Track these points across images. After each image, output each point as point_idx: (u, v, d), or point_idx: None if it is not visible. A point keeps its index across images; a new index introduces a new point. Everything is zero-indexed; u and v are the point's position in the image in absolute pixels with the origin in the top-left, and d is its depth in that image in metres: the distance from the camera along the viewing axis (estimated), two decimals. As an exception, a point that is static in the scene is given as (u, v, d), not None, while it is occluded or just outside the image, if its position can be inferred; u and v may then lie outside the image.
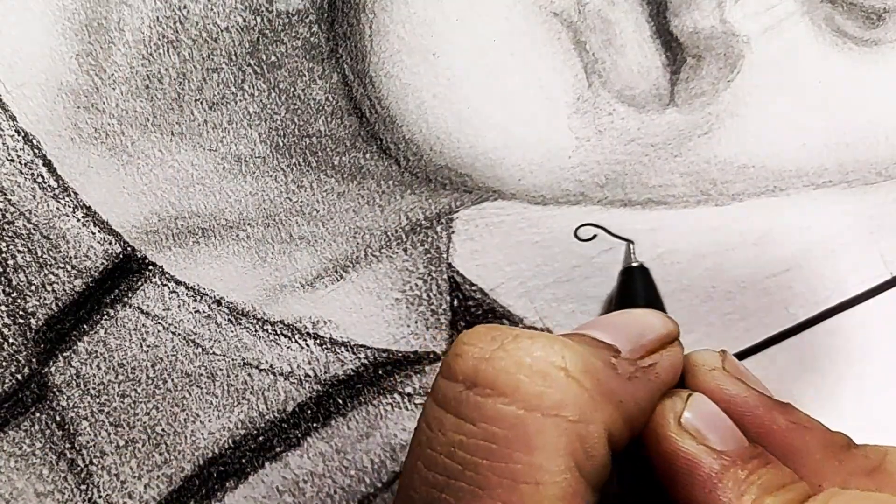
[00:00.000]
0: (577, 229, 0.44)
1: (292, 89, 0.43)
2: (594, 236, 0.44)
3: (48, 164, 0.43)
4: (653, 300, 0.43)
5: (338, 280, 0.45)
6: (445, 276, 0.45)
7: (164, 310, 0.44)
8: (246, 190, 0.44)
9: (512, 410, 0.34)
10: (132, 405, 0.45)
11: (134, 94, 0.43)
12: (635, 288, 0.44)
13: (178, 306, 0.44)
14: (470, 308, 0.45)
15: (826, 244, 0.45)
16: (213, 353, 0.45)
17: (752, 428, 0.37)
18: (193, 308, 0.44)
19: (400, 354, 0.45)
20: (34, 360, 0.44)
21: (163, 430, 0.45)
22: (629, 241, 0.44)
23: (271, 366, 0.45)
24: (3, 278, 0.44)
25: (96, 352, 0.44)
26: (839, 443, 0.37)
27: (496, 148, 0.43)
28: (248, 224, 0.44)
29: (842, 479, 0.36)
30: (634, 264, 0.44)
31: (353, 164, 0.44)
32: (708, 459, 0.35)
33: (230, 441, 0.45)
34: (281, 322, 0.45)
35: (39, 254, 0.44)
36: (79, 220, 0.44)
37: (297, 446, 0.45)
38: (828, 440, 0.37)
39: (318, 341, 0.45)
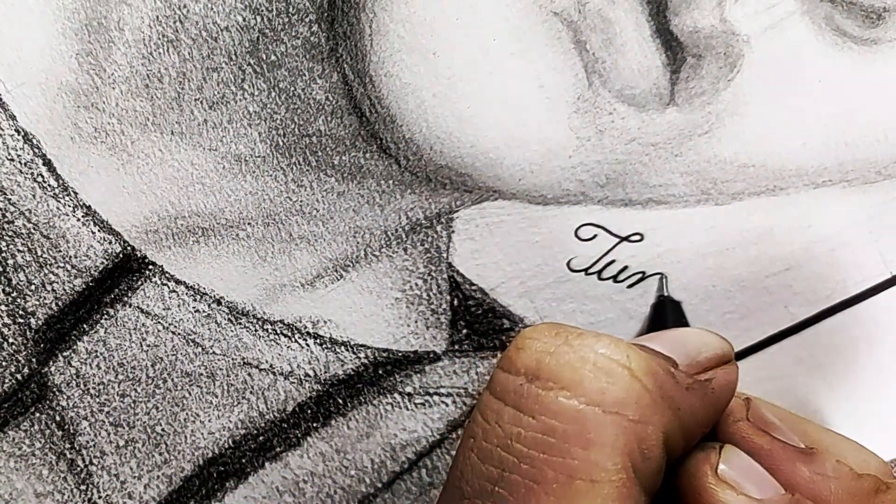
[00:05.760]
0: (577, 229, 0.44)
1: (292, 89, 0.43)
2: (595, 236, 0.44)
3: (48, 163, 0.43)
4: None
5: (338, 279, 0.45)
6: (445, 276, 0.45)
7: (163, 309, 0.44)
8: (246, 189, 0.44)
9: (573, 404, 0.34)
10: (132, 405, 0.45)
11: (134, 94, 0.43)
12: (670, 320, 0.44)
13: (178, 306, 0.44)
14: (470, 307, 0.45)
15: (826, 243, 0.45)
16: (213, 352, 0.45)
17: (778, 478, 0.37)
18: (193, 307, 0.44)
19: (400, 354, 0.45)
20: (34, 359, 0.44)
21: (163, 429, 0.45)
22: (662, 274, 0.45)
23: (271, 365, 0.45)
24: (3, 278, 0.44)
25: (96, 351, 0.44)
26: (866, 489, 0.37)
27: (496, 147, 0.43)
28: (248, 223, 0.44)
29: None
30: (667, 294, 0.45)
31: (353, 164, 0.44)
32: None
33: (230, 441, 0.45)
34: (281, 321, 0.45)
35: (39, 253, 0.44)
36: (79, 220, 0.44)
37: (297, 446, 0.45)
38: (853, 488, 0.37)
39: (317, 341, 0.45)
